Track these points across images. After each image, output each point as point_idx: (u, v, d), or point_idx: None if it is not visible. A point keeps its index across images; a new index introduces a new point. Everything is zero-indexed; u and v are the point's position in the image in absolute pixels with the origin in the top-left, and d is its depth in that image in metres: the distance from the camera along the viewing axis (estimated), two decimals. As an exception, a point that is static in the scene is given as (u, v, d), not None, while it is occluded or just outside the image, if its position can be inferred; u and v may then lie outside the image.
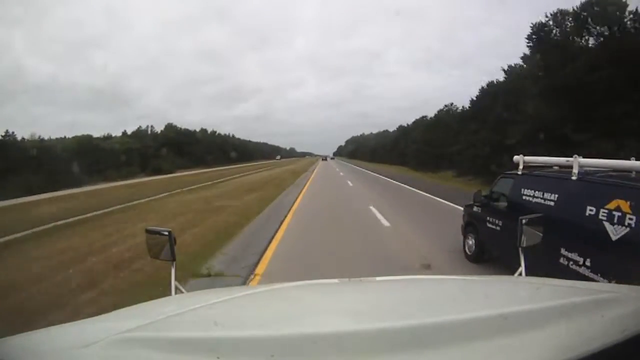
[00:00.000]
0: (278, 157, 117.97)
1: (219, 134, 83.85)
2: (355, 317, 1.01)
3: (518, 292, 1.36)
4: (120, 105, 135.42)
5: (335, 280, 1.63)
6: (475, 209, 5.68)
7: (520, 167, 4.74)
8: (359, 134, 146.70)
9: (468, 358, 0.75)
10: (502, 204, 4.98)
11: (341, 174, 31.15)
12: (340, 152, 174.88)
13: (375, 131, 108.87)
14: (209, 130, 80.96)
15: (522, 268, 1.63)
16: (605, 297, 0.99)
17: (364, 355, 0.75)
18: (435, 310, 1.05)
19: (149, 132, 65.66)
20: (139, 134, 64.41)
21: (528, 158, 4.78)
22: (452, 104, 36.82)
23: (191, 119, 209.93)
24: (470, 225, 5.77)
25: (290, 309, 1.20)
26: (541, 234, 1.75)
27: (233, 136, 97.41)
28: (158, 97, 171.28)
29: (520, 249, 1.68)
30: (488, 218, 5.18)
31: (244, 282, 4.96)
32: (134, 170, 48.73)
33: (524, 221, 1.70)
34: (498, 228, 4.95)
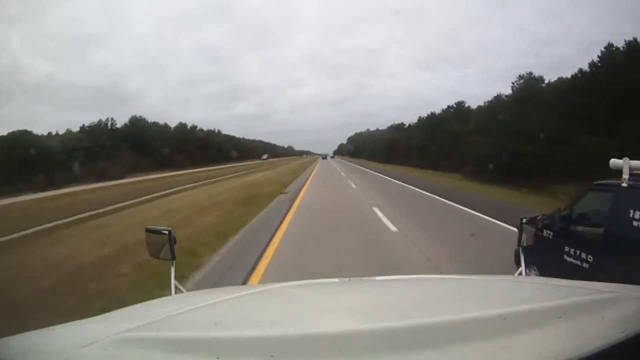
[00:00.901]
0: (264, 156, 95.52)
1: (201, 129, 71.15)
2: (355, 317, 1.00)
3: (518, 292, 1.34)
4: (119, 105, 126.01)
5: (336, 280, 1.60)
6: (546, 233, 4.10)
7: (625, 176, 3.22)
8: (364, 130, 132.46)
9: (468, 358, 0.74)
10: (595, 229, 3.48)
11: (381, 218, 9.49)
12: (340, 151, 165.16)
13: (381, 128, 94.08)
14: (189, 126, 68.92)
15: (522, 268, 1.63)
16: (606, 297, 0.97)
17: (364, 355, 0.74)
18: (435, 310, 1.04)
19: (109, 126, 53.54)
20: (97, 129, 52.25)
21: (636, 163, 3.23)
22: (531, 73, 24.65)
23: (190, 117, 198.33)
24: (533, 253, 4.21)
25: (290, 309, 1.18)
26: (535, 231, 1.77)
27: (219, 132, 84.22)
28: (157, 95, 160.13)
29: (520, 249, 1.70)
30: (567, 248, 3.68)
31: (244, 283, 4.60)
32: (71, 176, 37.12)
33: (524, 220, 1.74)
34: (586, 265, 3.44)
